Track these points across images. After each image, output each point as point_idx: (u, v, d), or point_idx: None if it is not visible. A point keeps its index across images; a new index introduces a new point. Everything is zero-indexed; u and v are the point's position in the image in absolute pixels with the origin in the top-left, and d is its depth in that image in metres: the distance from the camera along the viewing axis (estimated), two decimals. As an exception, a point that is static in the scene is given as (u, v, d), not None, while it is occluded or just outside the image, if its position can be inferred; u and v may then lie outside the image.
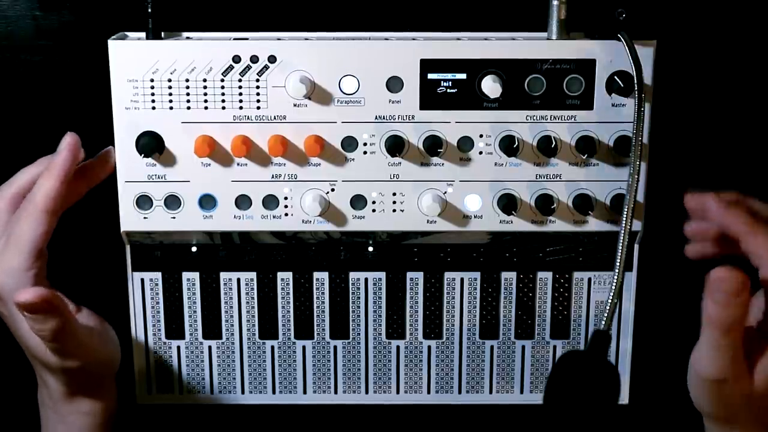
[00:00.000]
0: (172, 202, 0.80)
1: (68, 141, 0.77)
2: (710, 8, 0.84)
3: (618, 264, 0.71)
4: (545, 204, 0.80)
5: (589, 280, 0.84)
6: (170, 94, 0.78)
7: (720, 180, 0.89)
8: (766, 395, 0.68)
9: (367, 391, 0.87)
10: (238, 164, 0.79)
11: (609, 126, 0.79)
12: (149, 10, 0.78)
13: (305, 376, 0.86)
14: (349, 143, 0.79)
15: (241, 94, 0.78)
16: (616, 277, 0.70)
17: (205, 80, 0.78)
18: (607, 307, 0.67)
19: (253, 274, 0.84)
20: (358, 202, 0.81)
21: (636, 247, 0.82)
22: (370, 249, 0.83)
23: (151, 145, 0.78)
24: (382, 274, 0.84)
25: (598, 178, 0.80)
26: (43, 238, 0.76)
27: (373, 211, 0.81)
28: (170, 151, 0.79)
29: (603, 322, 0.65)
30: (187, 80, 0.78)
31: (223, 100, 0.78)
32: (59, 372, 0.78)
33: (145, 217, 0.80)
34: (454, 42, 0.78)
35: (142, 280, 0.84)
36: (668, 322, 0.89)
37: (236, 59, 0.77)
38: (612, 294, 0.68)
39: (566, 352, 0.67)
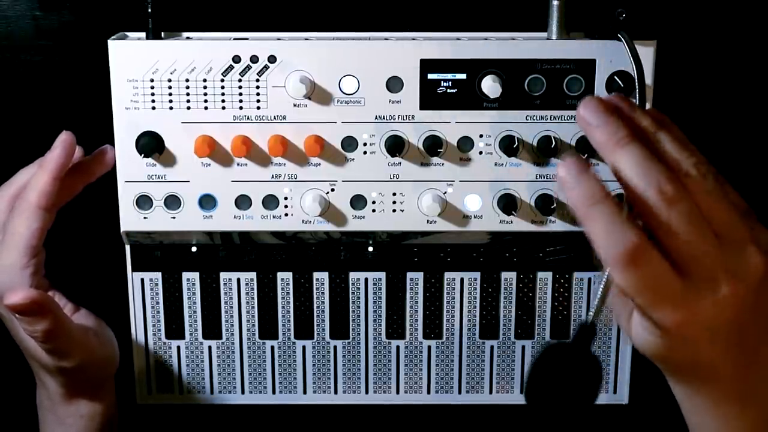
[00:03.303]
0: (172, 202, 0.80)
1: (63, 138, 0.77)
2: (710, 8, 0.84)
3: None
4: (545, 204, 0.80)
5: (589, 280, 0.84)
6: (170, 94, 0.78)
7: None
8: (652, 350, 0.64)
9: (367, 391, 0.87)
10: (238, 164, 0.79)
11: (609, 126, 0.79)
12: (149, 10, 0.78)
13: (305, 376, 0.86)
14: (349, 143, 0.79)
15: (241, 94, 0.78)
16: (607, 273, 0.70)
17: (205, 80, 0.78)
18: (596, 301, 0.67)
19: (253, 274, 0.84)
20: (358, 202, 0.81)
21: (636, 247, 0.82)
22: (370, 249, 0.83)
23: (151, 145, 0.78)
24: (382, 274, 0.84)
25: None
26: (37, 235, 0.76)
27: (373, 211, 0.81)
28: (170, 151, 0.79)
29: (590, 315, 0.65)
30: (187, 80, 0.78)
31: (223, 100, 0.78)
32: (56, 373, 0.78)
33: (145, 217, 0.80)
34: (454, 42, 0.78)
35: (142, 280, 0.84)
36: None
37: (236, 59, 0.77)
38: (601, 288, 0.68)
39: (549, 344, 0.66)
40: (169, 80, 0.78)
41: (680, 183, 0.58)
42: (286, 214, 0.81)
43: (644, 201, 0.57)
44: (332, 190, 0.80)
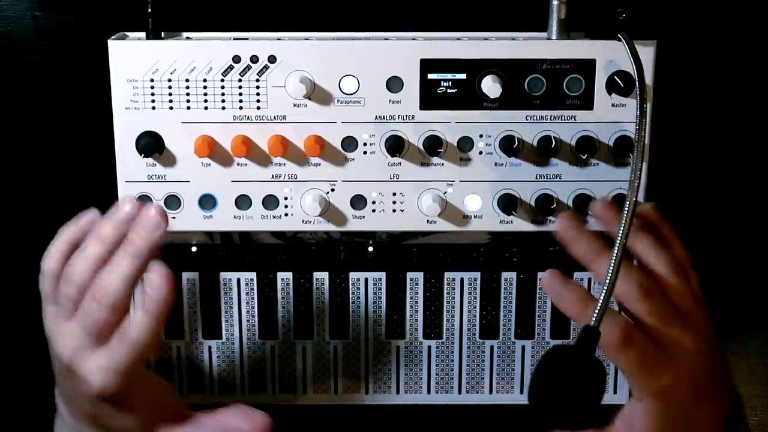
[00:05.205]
0: (172, 202, 0.80)
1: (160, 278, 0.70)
2: (710, 8, 0.84)
3: (613, 262, 0.71)
4: (545, 204, 0.80)
5: (589, 280, 0.84)
6: (170, 94, 0.78)
7: (720, 180, 0.89)
8: None
9: (367, 391, 0.87)
10: (238, 164, 0.79)
11: (609, 126, 0.79)
12: (149, 10, 0.78)
13: (305, 376, 0.86)
14: (349, 143, 0.79)
15: (241, 94, 0.78)
16: (610, 275, 0.70)
17: (205, 80, 0.78)
18: (599, 304, 0.67)
19: (253, 274, 0.84)
20: (358, 202, 0.81)
21: (636, 247, 0.82)
22: (370, 249, 0.83)
23: (151, 145, 0.78)
24: (382, 274, 0.84)
25: (598, 178, 0.80)
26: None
27: (373, 211, 0.81)
28: (170, 151, 0.79)
29: (593, 319, 0.65)
30: (187, 80, 0.78)
31: (223, 100, 0.78)
32: None
33: (145, 217, 0.80)
34: (454, 42, 0.78)
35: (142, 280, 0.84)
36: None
37: (236, 59, 0.77)
38: (604, 290, 0.68)
39: (553, 347, 0.67)
40: (169, 80, 0.78)
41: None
42: (286, 214, 0.81)
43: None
44: (332, 190, 0.80)
